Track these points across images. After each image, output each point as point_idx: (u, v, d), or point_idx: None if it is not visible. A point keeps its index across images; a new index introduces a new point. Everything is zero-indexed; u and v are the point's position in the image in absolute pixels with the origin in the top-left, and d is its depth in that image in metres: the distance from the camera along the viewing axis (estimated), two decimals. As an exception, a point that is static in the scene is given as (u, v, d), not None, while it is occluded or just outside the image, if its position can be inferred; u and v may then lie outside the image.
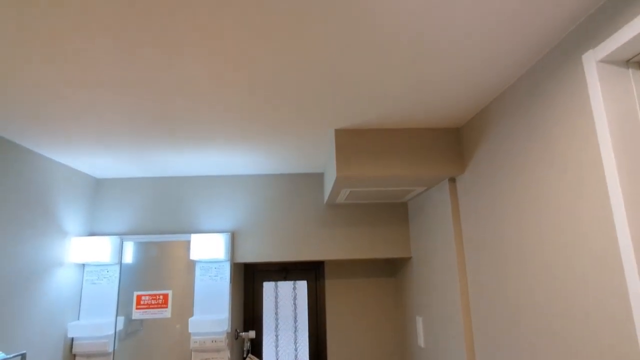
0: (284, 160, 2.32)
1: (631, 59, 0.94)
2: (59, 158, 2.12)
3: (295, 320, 2.95)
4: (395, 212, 2.57)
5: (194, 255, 2.30)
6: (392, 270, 2.92)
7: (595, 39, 0.97)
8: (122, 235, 2.49)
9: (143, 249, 2.47)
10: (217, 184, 2.60)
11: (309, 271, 2.98)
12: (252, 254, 2.52)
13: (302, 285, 2.99)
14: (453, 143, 1.81)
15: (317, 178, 2.63)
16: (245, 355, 2.64)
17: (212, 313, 2.40)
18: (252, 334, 2.60)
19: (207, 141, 1.91)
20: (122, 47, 1.10)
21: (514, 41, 1.11)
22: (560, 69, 1.11)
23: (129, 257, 2.46)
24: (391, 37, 1.07)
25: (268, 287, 2.97)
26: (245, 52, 1.15)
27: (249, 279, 2.92)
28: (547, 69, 1.17)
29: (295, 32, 1.05)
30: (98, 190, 2.56)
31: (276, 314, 2.97)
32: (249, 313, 2.86)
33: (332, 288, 2.92)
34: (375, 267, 2.94)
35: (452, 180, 1.86)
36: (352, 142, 1.79)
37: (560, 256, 1.13)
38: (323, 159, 2.33)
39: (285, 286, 3.01)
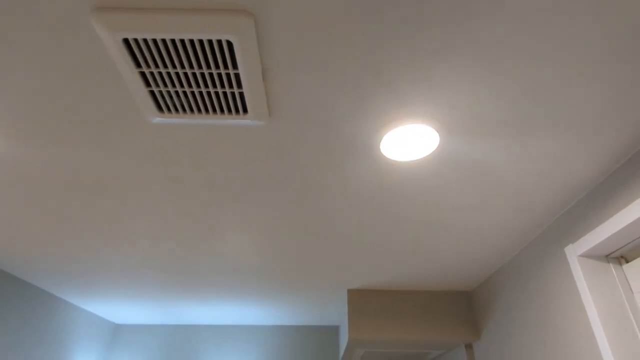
0: (298, 313, 2.34)
1: (610, 254, 1.04)
2: (82, 304, 2.23)
3: None
4: (415, 374, 2.40)
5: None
6: None
7: (574, 234, 1.09)
8: (130, 387, 2.40)
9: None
10: (232, 333, 2.58)
11: None
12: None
13: None
14: (465, 307, 1.82)
15: (332, 331, 2.57)
16: None
17: None
18: None
19: (226, 294, 2.00)
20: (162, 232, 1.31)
21: (501, 234, 1.24)
22: (547, 254, 1.21)
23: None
24: (409, 221, 1.24)
25: None
26: (267, 232, 1.32)
27: None
28: (536, 253, 1.27)
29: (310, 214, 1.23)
30: (116, 334, 2.57)
31: None
32: None
33: None
34: None
35: (469, 346, 1.80)
36: (365, 302, 1.83)
37: None
38: (338, 313, 2.33)
39: None
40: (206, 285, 1.88)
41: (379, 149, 0.90)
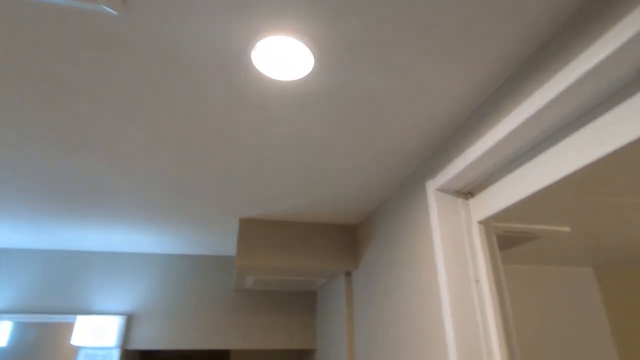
0: (194, 242, 2.31)
1: (460, 190, 1.15)
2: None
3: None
4: (304, 301, 2.58)
5: (77, 340, 2.10)
6: (301, 361, 2.83)
7: (435, 170, 1.18)
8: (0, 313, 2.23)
9: (21, 330, 2.21)
10: (117, 260, 2.48)
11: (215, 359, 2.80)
12: (151, 341, 2.34)
13: (205, 377, 2.77)
14: (350, 240, 1.94)
15: (229, 261, 2.62)
16: None
17: (89, 410, 2.12)
18: None
19: (110, 217, 1.89)
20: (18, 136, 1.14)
21: (377, 171, 1.31)
22: (415, 191, 1.31)
23: (3, 339, 2.18)
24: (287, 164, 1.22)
25: (166, 378, 2.71)
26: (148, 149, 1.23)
27: (145, 368, 2.66)
28: (409, 189, 1.37)
29: (196, 144, 1.16)
30: (-16, 259, 2.33)
31: (171, 410, 2.69)
32: (138, 409, 2.55)
33: (237, 380, 2.74)
34: (284, 356, 2.83)
35: (348, 274, 1.96)
36: (256, 231, 1.86)
37: (406, 343, 1.21)
38: (234, 244, 2.36)
39: (186, 377, 2.77)
40: (88, 207, 1.74)
41: (251, 60, 0.85)
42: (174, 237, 2.21)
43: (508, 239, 1.74)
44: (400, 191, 1.45)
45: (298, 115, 1.03)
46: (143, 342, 2.33)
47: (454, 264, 1.06)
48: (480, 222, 1.09)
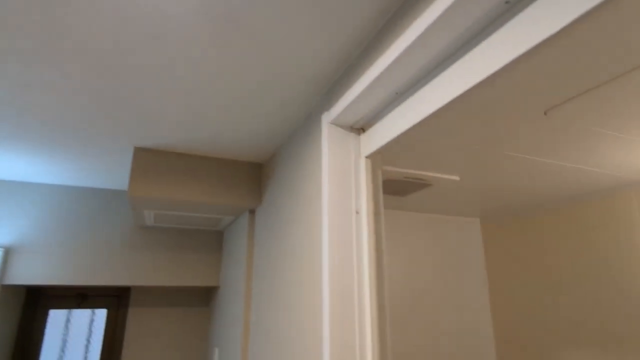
0: (85, 172, 2.11)
1: (353, 125, 1.15)
2: None
3: (86, 355, 2.60)
4: (210, 240, 2.55)
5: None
6: (206, 299, 2.84)
7: (330, 105, 1.17)
8: None
9: None
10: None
11: (112, 298, 2.69)
12: (36, 276, 2.16)
13: (103, 314, 2.67)
14: (256, 177, 1.91)
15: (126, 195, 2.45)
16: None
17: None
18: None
19: (-28, 136, 1.61)
20: None
21: (275, 108, 1.25)
22: (314, 126, 1.29)
23: None
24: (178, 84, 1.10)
25: (57, 316, 2.56)
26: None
27: (30, 306, 2.48)
28: (309, 125, 1.35)
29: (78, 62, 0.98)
30: None
31: (63, 347, 2.57)
32: (20, 347, 2.40)
33: (137, 317, 2.68)
34: (191, 295, 2.82)
35: (252, 212, 1.95)
36: (153, 161, 1.73)
37: (294, 272, 1.26)
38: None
39: (80, 315, 2.64)
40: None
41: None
42: (63, 167, 1.98)
43: (405, 185, 1.85)
44: (303, 127, 1.43)
45: (180, 32, 0.92)
46: (26, 277, 2.14)
47: (338, 195, 1.08)
48: (367, 157, 1.12)
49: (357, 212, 1.08)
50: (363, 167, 1.11)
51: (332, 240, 1.04)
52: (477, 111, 1.15)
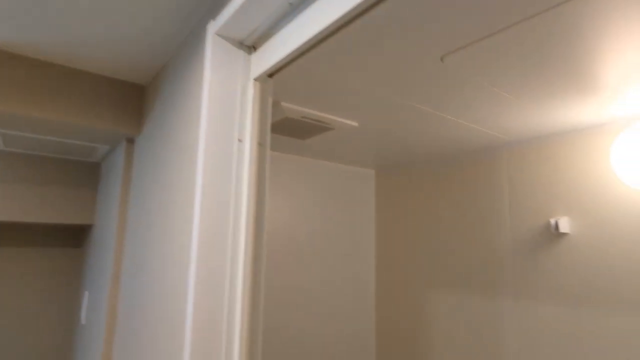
0: None
1: (243, 41, 1.01)
2: None
3: None
4: (84, 172, 2.22)
5: None
6: (80, 239, 2.53)
7: (217, 11, 0.99)
8: None
9: None
10: None
11: (-49, 235, 2.23)
12: None
13: (-63, 254, 2.21)
14: (136, 101, 1.65)
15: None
16: None
17: None
18: None
19: None
20: None
21: (152, 11, 1.03)
22: (199, 39, 1.11)
23: None
24: None
25: None
26: None
27: None
28: (195, 38, 1.16)
29: None
30: None
31: None
32: None
33: (-12, 258, 2.28)
34: (61, 234, 2.48)
35: (131, 141, 1.70)
36: (5, 65, 1.36)
37: (169, 203, 1.13)
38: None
39: None
40: None
41: None
42: None
43: (305, 127, 1.77)
44: (188, 41, 1.23)
45: None
46: None
47: (219, 119, 0.95)
48: (256, 79, 0.99)
49: (240, 141, 0.97)
50: (251, 90, 0.99)
51: (207, 168, 0.92)
52: (375, 48, 1.09)
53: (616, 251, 1.53)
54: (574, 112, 1.51)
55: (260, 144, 0.99)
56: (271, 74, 0.98)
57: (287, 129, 1.83)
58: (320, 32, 0.77)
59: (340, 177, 2.51)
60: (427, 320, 2.18)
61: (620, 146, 1.48)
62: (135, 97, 1.64)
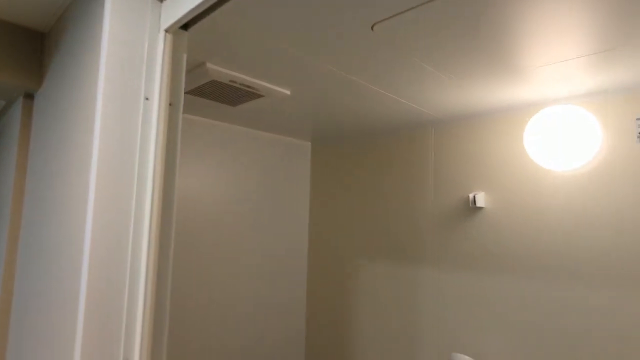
0: None
1: (153, -15, 0.89)
2: None
3: None
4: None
5: None
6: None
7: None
8: None
9: None
10: None
11: None
12: None
13: None
14: (31, 49, 1.43)
15: None
16: None
17: None
18: None
19: None
20: None
21: None
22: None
23: None
24: None
25: None
26: None
27: None
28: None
29: None
30: None
31: None
32: None
33: None
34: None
35: (30, 96, 1.49)
36: None
37: (67, 163, 1.01)
38: None
39: None
40: None
41: None
42: None
43: (234, 92, 1.67)
44: (93, -17, 1.06)
45: None
46: None
47: (121, 74, 0.84)
48: (167, 30, 0.89)
49: (147, 99, 0.87)
50: (161, 43, 0.88)
51: (107, 129, 0.81)
52: (304, 11, 1.02)
53: (525, 223, 1.67)
54: (496, 93, 1.58)
55: (172, 104, 0.89)
56: (185, 25, 0.88)
57: (215, 94, 1.71)
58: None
59: (275, 147, 2.45)
60: (355, 288, 2.25)
61: (532, 128, 1.59)
62: (34, 45, 1.42)
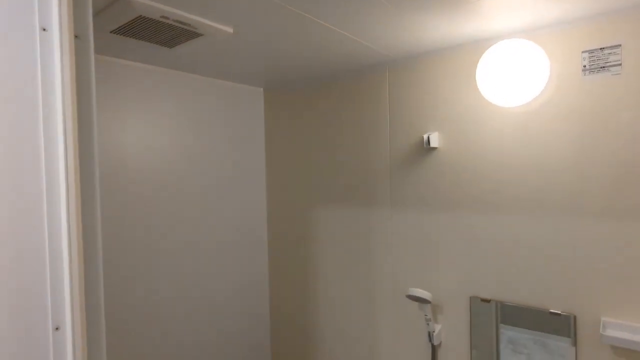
0: None
1: None
2: None
3: None
4: None
5: None
6: None
7: None
8: None
9: None
10: None
11: None
12: None
13: None
14: None
15: None
16: None
17: None
18: None
19: None
20: None
21: None
22: None
23: None
24: None
25: None
26: None
27: None
28: None
29: None
30: None
31: None
32: None
33: None
34: None
35: None
36: None
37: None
38: None
39: None
40: None
41: None
42: None
43: (169, 31, 1.50)
44: None
45: None
46: None
47: (7, -3, 0.69)
48: (60, -56, 0.73)
49: (45, 30, 0.73)
50: (55, -40, 0.73)
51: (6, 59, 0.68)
52: None
53: (477, 161, 1.69)
54: (442, 28, 1.52)
55: (79, 37, 0.76)
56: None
57: (146, 33, 1.53)
58: None
59: (225, 95, 2.29)
60: (314, 234, 2.26)
61: (484, 65, 1.56)
62: None
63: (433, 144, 1.78)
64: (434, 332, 1.78)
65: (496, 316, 1.66)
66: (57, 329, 0.67)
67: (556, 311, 1.52)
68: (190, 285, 2.09)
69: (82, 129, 0.77)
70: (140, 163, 1.88)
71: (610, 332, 1.38)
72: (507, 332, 1.63)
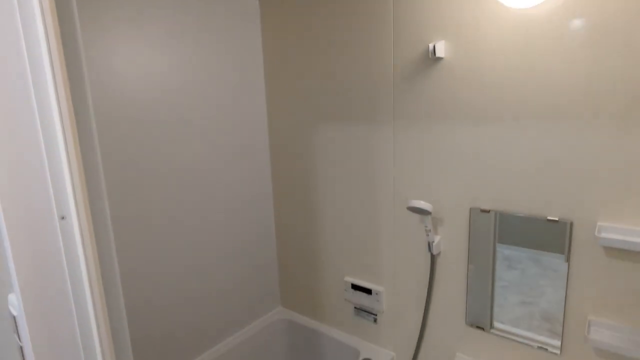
0: None
1: None
2: None
3: None
4: None
5: None
6: None
7: None
8: None
9: None
10: None
11: None
12: None
13: None
14: None
15: None
16: None
17: None
18: None
19: None
20: None
21: None
22: None
23: None
24: None
25: None
26: None
27: None
28: None
29: None
30: None
31: None
32: None
33: None
34: None
35: None
36: None
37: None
38: None
39: None
40: None
41: None
42: None
43: None
44: None
45: None
46: None
47: None
48: None
49: None
50: None
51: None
52: None
53: (487, 68, 1.62)
54: None
55: None
56: None
57: None
58: None
59: (217, 9, 2.16)
60: (317, 153, 2.27)
61: (499, -44, 1.41)
62: None
63: (439, 53, 1.69)
64: (433, 242, 1.85)
65: (494, 232, 1.70)
66: (62, 218, 0.70)
67: (554, 218, 1.55)
68: (198, 202, 2.15)
69: (68, 52, 0.73)
70: (130, 93, 1.83)
71: (605, 234, 1.42)
72: (504, 251, 1.69)
